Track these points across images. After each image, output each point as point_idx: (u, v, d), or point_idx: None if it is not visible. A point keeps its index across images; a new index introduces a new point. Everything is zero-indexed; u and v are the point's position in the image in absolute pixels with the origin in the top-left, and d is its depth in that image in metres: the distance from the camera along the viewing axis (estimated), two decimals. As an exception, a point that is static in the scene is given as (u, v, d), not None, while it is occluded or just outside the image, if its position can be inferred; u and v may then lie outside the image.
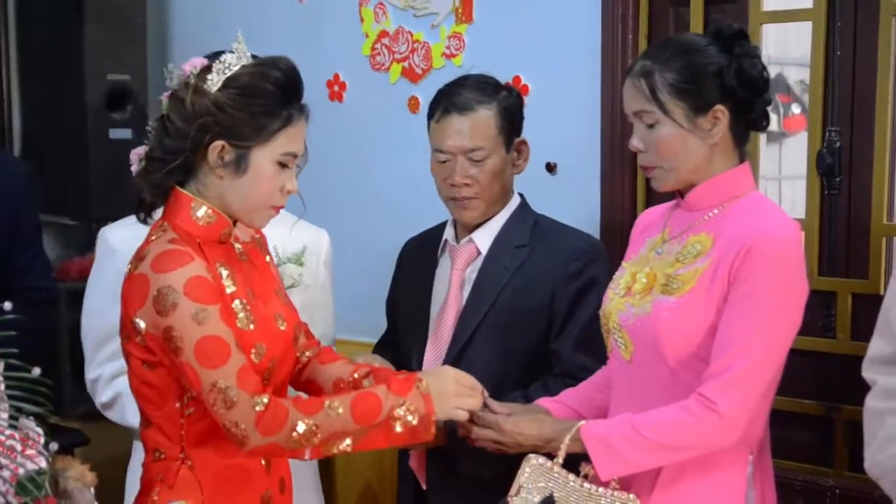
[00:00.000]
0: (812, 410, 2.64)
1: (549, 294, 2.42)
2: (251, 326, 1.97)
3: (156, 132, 1.99)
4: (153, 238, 1.97)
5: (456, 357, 2.45)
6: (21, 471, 1.67)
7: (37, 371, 1.78)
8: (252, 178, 1.97)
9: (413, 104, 3.31)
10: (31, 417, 1.76)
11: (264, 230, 2.23)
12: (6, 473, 1.66)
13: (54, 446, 1.74)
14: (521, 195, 2.56)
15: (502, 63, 2.83)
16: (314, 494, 2.76)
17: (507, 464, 2.37)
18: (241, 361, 1.90)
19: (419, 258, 2.62)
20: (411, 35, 3.31)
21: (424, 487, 2.52)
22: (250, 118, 1.94)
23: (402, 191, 3.31)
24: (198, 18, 3.87)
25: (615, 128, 2.92)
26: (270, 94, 1.94)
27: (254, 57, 1.99)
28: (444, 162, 2.46)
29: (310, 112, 2.03)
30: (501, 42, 3.12)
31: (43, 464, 1.70)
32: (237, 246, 2.08)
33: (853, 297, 2.60)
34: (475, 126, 2.43)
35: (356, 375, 2.14)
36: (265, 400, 1.89)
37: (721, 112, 2.00)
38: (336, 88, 3.50)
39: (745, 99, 2.01)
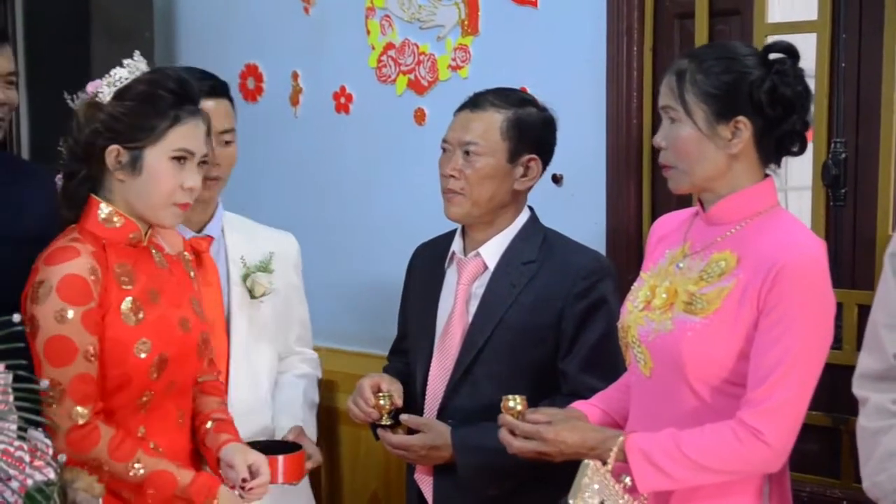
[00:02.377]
0: (819, 422, 2.63)
1: (556, 313, 2.41)
2: (138, 322, 2.13)
3: (65, 150, 2.18)
4: (60, 237, 2.14)
5: (462, 374, 2.45)
6: (30, 482, 1.68)
7: (45, 383, 1.79)
8: (148, 176, 2.13)
9: (419, 116, 3.32)
10: (40, 429, 1.77)
11: (228, 239, 2.57)
12: (15, 484, 1.66)
13: (63, 457, 1.75)
14: (530, 208, 2.56)
15: (508, 75, 2.84)
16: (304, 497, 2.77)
17: (513, 483, 2.38)
18: (83, 369, 2.05)
19: (428, 266, 2.62)
20: (417, 47, 3.32)
21: (430, 502, 2.52)
22: (139, 120, 2.11)
23: (408, 203, 3.32)
24: (205, 32, 3.88)
25: (620, 139, 2.93)
26: (158, 98, 2.12)
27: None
28: (446, 152, 2.48)
29: (207, 117, 2.19)
30: (507, 54, 3.13)
31: (52, 475, 1.71)
32: (156, 253, 2.23)
33: (859, 309, 2.60)
34: (478, 123, 2.44)
35: (208, 417, 2.33)
36: (86, 414, 2.05)
37: (743, 123, 1.98)
38: (342, 100, 3.51)
39: (775, 117, 1.99)
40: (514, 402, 2.14)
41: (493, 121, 2.44)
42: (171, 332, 2.18)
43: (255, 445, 2.43)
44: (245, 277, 2.62)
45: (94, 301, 2.08)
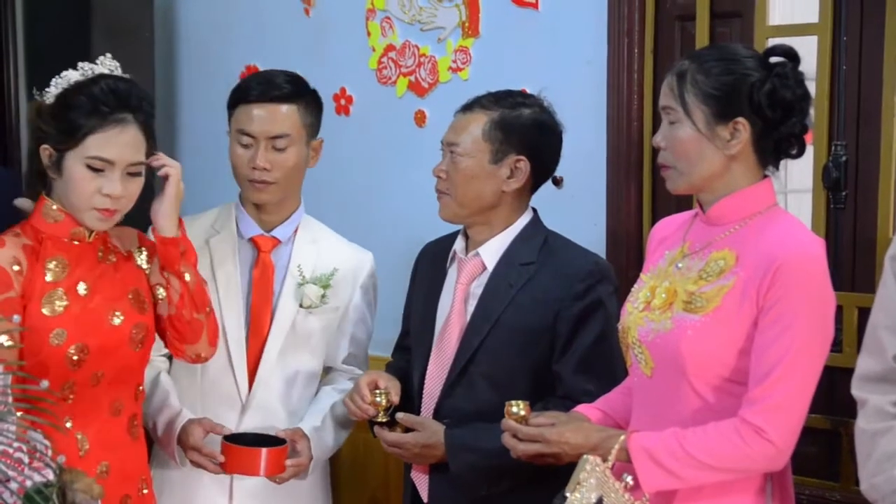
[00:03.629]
0: (819, 424, 2.63)
1: (551, 315, 2.41)
2: (57, 313, 2.17)
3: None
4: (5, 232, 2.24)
5: (459, 374, 2.45)
6: (29, 483, 1.68)
7: (45, 384, 1.79)
8: (67, 179, 2.20)
9: (419, 118, 3.31)
10: (39, 430, 1.77)
11: (297, 245, 2.61)
12: (14, 486, 1.66)
13: (62, 458, 1.75)
14: (534, 210, 2.55)
15: (508, 77, 2.83)
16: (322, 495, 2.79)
17: (507, 484, 2.38)
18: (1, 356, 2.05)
19: (432, 265, 2.62)
20: (418, 49, 3.32)
21: (425, 500, 2.52)
22: (62, 123, 2.19)
23: (409, 204, 3.31)
24: (205, 33, 3.88)
25: (621, 142, 2.93)
26: (83, 104, 2.18)
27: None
28: (442, 153, 2.50)
29: (144, 124, 2.21)
30: (507, 56, 3.13)
31: (51, 476, 1.70)
32: (104, 249, 2.29)
33: (859, 311, 2.60)
34: (463, 124, 2.46)
35: None
36: None
37: (742, 125, 1.99)
38: (343, 102, 3.51)
39: (773, 119, 2.00)
40: (518, 407, 2.14)
41: (477, 122, 2.44)
42: (96, 323, 2.21)
43: (242, 437, 2.49)
44: (299, 286, 2.61)
45: (13, 291, 2.14)
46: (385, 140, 3.42)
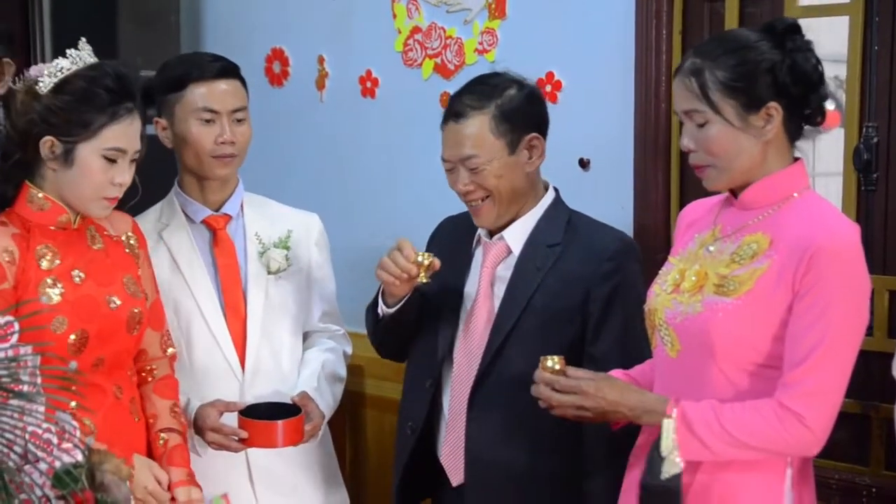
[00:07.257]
0: (849, 408, 2.60)
1: (582, 296, 2.40)
2: (55, 301, 2.17)
3: (3, 132, 2.24)
4: None
5: (491, 360, 2.44)
6: (58, 464, 1.69)
7: (73, 365, 1.80)
8: (79, 170, 2.19)
9: (445, 100, 3.27)
10: (68, 411, 1.78)
11: (247, 217, 2.65)
12: (43, 466, 1.67)
13: (91, 440, 1.76)
14: (555, 189, 2.54)
15: (535, 59, 2.82)
16: (332, 479, 2.82)
17: (545, 455, 2.37)
18: None
19: (454, 242, 2.60)
20: (444, 31, 3.31)
21: (454, 484, 2.50)
22: (74, 115, 2.16)
23: (434, 187, 3.29)
24: (230, 15, 3.88)
25: (648, 124, 2.91)
26: (95, 95, 2.17)
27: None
28: (450, 170, 2.46)
29: (146, 113, 2.26)
30: (534, 38, 3.11)
31: (79, 457, 1.71)
32: (93, 234, 2.30)
33: (890, 294, 2.58)
34: (468, 135, 2.40)
35: (159, 432, 2.40)
36: None
37: (774, 109, 1.98)
38: (368, 84, 3.50)
39: (800, 95, 1.99)
40: (553, 362, 2.13)
41: (479, 126, 2.40)
42: (93, 309, 2.22)
43: (256, 408, 2.53)
44: (261, 254, 2.66)
45: (7, 282, 2.14)
46: (411, 122, 3.42)
